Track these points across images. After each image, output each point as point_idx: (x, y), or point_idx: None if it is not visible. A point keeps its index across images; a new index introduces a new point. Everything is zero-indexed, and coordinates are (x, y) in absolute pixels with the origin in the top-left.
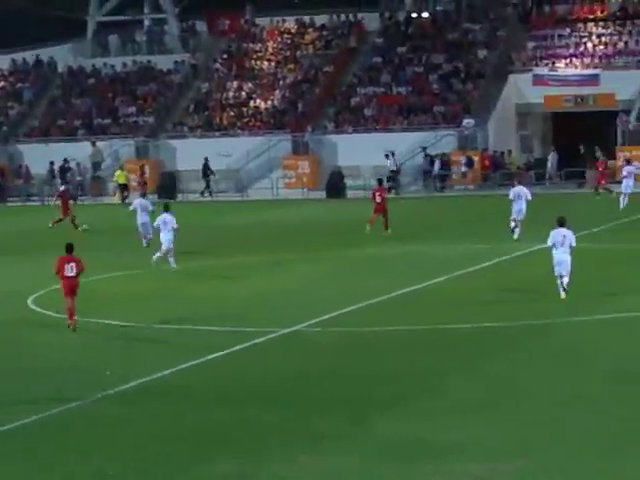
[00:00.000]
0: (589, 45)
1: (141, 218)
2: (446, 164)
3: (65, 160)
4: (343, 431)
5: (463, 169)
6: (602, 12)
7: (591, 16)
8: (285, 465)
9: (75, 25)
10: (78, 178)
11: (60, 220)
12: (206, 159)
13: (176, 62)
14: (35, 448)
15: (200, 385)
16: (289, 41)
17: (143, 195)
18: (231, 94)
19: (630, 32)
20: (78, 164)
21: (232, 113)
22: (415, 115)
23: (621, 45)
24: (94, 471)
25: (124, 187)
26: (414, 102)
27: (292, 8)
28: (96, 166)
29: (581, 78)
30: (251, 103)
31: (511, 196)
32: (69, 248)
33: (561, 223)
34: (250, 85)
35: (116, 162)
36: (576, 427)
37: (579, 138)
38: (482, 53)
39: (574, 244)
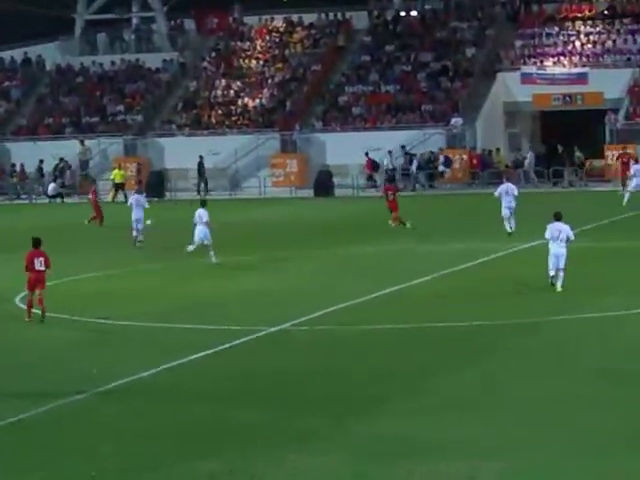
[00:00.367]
0: (577, 44)
1: (135, 214)
2: (434, 163)
3: (61, 159)
4: (329, 430)
5: (441, 168)
6: (590, 11)
7: (579, 15)
8: (271, 464)
9: (63, 23)
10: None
11: (95, 218)
12: (201, 157)
13: (164, 60)
14: (16, 446)
15: (185, 384)
16: (277, 40)
17: (139, 192)
18: (219, 92)
19: (618, 31)
20: (66, 162)
21: (220, 112)
22: (403, 114)
23: (609, 44)
24: (77, 470)
25: (121, 186)
26: (402, 101)
27: (280, 7)
28: (84, 164)
29: (569, 77)
30: (239, 102)
31: (496, 194)
32: (36, 243)
33: (557, 217)
34: (238, 84)
35: (104, 160)
36: (561, 426)
37: (568, 137)
38: (470, 52)
39: (572, 238)
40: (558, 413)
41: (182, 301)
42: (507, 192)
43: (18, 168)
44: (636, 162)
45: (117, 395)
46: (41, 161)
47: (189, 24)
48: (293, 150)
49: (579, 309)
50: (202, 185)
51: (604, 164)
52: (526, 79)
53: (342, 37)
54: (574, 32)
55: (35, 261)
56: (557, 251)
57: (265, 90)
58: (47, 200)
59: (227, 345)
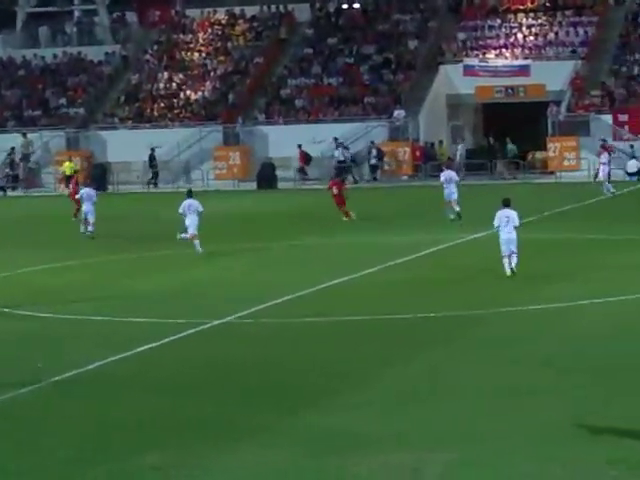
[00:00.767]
0: (519, 36)
1: (86, 207)
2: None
3: (12, 149)
4: (276, 423)
5: (373, 161)
6: (532, 3)
7: (521, 7)
8: (217, 457)
9: (4, 16)
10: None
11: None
12: (152, 149)
13: (106, 53)
14: None
15: (132, 376)
16: (219, 32)
17: (89, 185)
18: (162, 85)
19: (560, 23)
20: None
21: (163, 104)
22: (346, 106)
23: (551, 36)
24: (22, 463)
25: (70, 178)
26: (345, 93)
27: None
28: (26, 157)
29: (512, 69)
30: (182, 94)
31: (442, 179)
32: None
33: (506, 204)
34: (181, 76)
35: (47, 154)
36: (507, 416)
37: (510, 129)
38: (413, 44)
39: (517, 224)
40: (503, 404)
41: (130, 294)
42: (450, 179)
43: None
44: (605, 150)
45: (63, 388)
46: None
47: (131, 17)
48: (236, 143)
49: (524, 301)
50: (154, 177)
51: (546, 156)
52: (468, 71)
53: (284, 30)
54: (516, 24)
55: None
56: (508, 237)
57: (207, 83)
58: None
59: (173, 337)
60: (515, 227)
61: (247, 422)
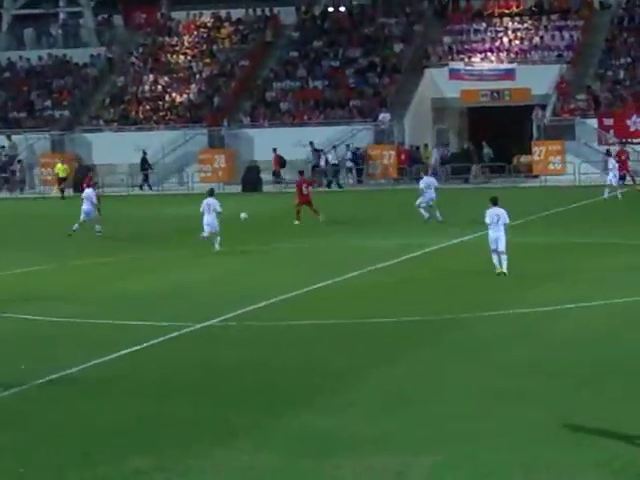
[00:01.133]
0: (505, 40)
1: (86, 207)
2: (363, 158)
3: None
4: (259, 425)
5: (348, 164)
6: (518, 7)
7: (507, 11)
8: (200, 460)
9: None
10: None
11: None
12: (144, 152)
13: (92, 56)
14: None
15: (115, 379)
16: (205, 35)
17: (89, 186)
18: (147, 88)
19: (546, 27)
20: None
21: (148, 107)
22: (331, 109)
23: (537, 40)
24: (4, 467)
25: (63, 180)
26: (330, 96)
27: (208, 2)
28: (12, 160)
29: (497, 73)
30: (167, 97)
31: (422, 186)
32: None
33: (494, 202)
34: (166, 79)
35: (32, 156)
36: (492, 420)
37: (495, 132)
38: (398, 47)
39: (507, 222)
40: (490, 406)
41: (112, 297)
42: (429, 185)
43: None
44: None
45: (46, 391)
46: None
47: (117, 19)
48: (221, 146)
49: (510, 304)
50: (146, 179)
51: (531, 160)
52: (454, 75)
53: (270, 33)
54: (502, 28)
55: None
56: (497, 235)
57: (193, 85)
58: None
59: (156, 341)
60: (505, 225)
61: (229, 425)
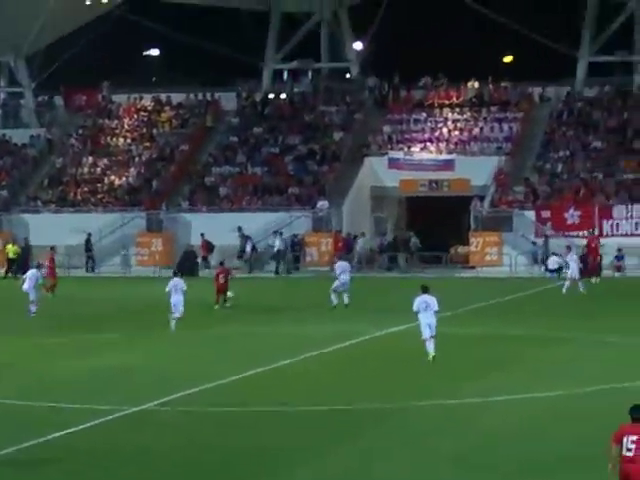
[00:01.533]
0: (445, 130)
1: (27, 286)
2: (298, 245)
3: None
4: None
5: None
6: (458, 98)
7: (447, 102)
8: None
9: None
10: None
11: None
12: (89, 234)
13: (32, 136)
14: None
15: (43, 463)
16: (145, 118)
17: (37, 267)
18: (86, 170)
19: (485, 119)
20: None
21: (87, 189)
22: (270, 196)
23: (476, 131)
24: None
25: (12, 261)
26: (269, 182)
27: (149, 86)
28: None
29: (436, 163)
30: (106, 179)
31: (337, 271)
32: None
33: (425, 290)
34: (105, 161)
35: None
36: None
37: (434, 221)
38: (338, 135)
39: (437, 309)
40: None
41: (45, 378)
42: (344, 270)
43: None
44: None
45: None
46: None
47: (58, 100)
48: (159, 229)
49: (439, 395)
50: (90, 261)
51: (468, 250)
52: (393, 164)
53: (210, 117)
54: (441, 119)
55: None
56: (430, 321)
57: (132, 169)
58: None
59: (89, 424)
60: (435, 312)
61: None
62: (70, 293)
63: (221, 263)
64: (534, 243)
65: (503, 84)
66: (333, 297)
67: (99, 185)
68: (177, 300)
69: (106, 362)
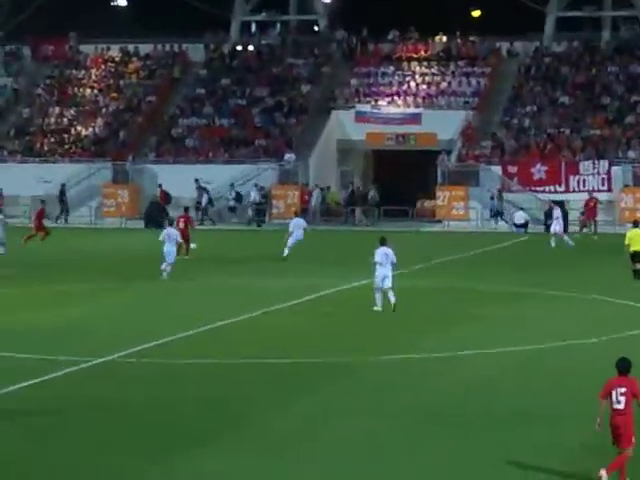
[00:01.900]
0: (412, 84)
1: None
2: (265, 197)
3: None
4: (141, 470)
5: (231, 203)
6: (426, 52)
7: (415, 55)
8: None
9: None
10: None
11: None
12: (63, 185)
13: None
14: None
15: (3, 415)
16: (113, 69)
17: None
18: (53, 120)
19: (453, 73)
20: None
21: (53, 139)
22: (237, 148)
23: (444, 85)
24: None
25: None
26: (236, 135)
27: (117, 37)
28: None
29: (403, 117)
30: (72, 130)
31: (291, 228)
32: None
33: (383, 242)
34: (72, 112)
35: None
36: (370, 466)
37: (400, 176)
38: (305, 88)
39: (394, 261)
40: (373, 451)
41: (9, 329)
42: (298, 226)
43: None
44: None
45: None
46: None
47: (25, 50)
48: (125, 181)
49: (401, 349)
50: (64, 212)
51: (435, 204)
52: (360, 118)
53: (178, 69)
54: (409, 72)
55: None
56: (384, 273)
57: (99, 119)
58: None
59: (52, 375)
60: (393, 264)
61: (113, 468)
62: (33, 244)
63: (185, 209)
64: (492, 198)
65: (471, 39)
66: (286, 250)
67: (66, 136)
68: (169, 249)
69: (72, 314)
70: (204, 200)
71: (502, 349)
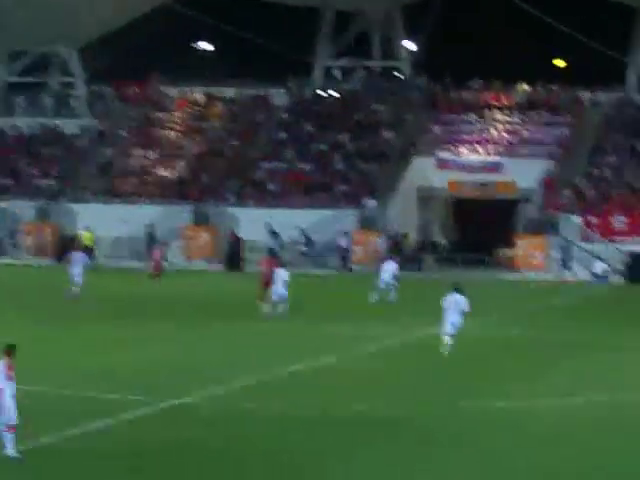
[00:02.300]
0: (494, 132)
1: (75, 270)
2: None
3: None
4: None
5: (303, 249)
6: (508, 101)
7: (497, 104)
8: None
9: None
10: None
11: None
12: (151, 226)
13: (82, 127)
14: None
15: (84, 452)
16: (196, 112)
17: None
18: (135, 161)
19: (535, 122)
20: None
21: (135, 180)
22: (318, 193)
23: (525, 134)
24: None
25: (89, 249)
26: (317, 180)
27: (201, 79)
28: None
29: (484, 165)
30: (154, 171)
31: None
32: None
33: (456, 289)
34: (155, 154)
35: (15, 223)
36: None
37: (480, 223)
38: (387, 134)
39: (467, 309)
40: None
41: (90, 370)
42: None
43: None
44: None
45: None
46: None
47: (109, 91)
48: (205, 223)
49: (481, 397)
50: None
51: (513, 253)
52: (441, 164)
53: (260, 113)
54: (491, 120)
55: None
56: (453, 320)
57: (181, 162)
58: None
59: (127, 415)
60: (463, 312)
61: None
62: (115, 285)
63: (270, 252)
64: (564, 247)
65: (554, 88)
66: (375, 294)
67: (148, 177)
68: (279, 289)
69: (149, 355)
70: (276, 245)
71: (578, 399)
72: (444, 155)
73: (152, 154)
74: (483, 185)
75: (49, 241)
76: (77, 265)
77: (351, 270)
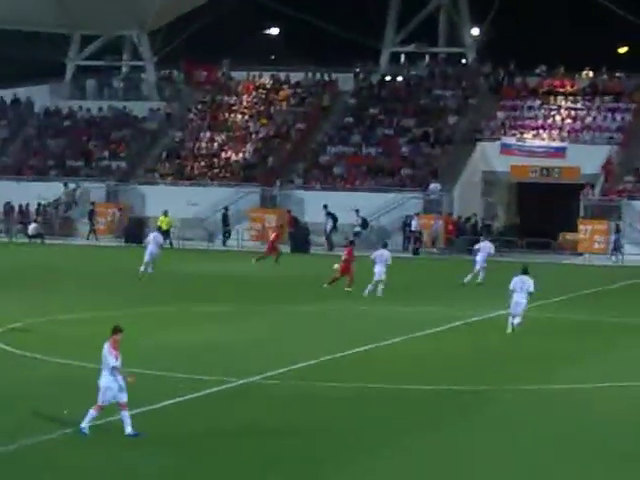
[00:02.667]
0: (557, 118)
1: (153, 249)
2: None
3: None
4: None
5: (357, 229)
6: (572, 87)
7: (561, 90)
8: None
9: (54, 67)
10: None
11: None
12: (226, 208)
13: (151, 110)
14: None
15: (151, 432)
16: (264, 96)
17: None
18: (203, 144)
19: (598, 108)
20: (40, 204)
21: (203, 163)
22: (383, 176)
23: (589, 120)
24: None
25: (166, 233)
26: (382, 163)
27: (268, 64)
28: (67, 206)
29: (548, 150)
30: (222, 154)
31: (476, 247)
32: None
33: (524, 271)
34: (223, 137)
35: (85, 205)
36: None
37: (543, 208)
38: (452, 120)
39: (532, 290)
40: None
41: (156, 349)
42: (482, 249)
43: (1, 207)
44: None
45: (89, 438)
46: (7, 203)
47: (178, 75)
48: (272, 205)
49: (535, 380)
50: (227, 234)
51: (577, 237)
52: (505, 150)
53: (327, 97)
54: (555, 106)
55: None
56: (518, 300)
57: (248, 145)
58: (27, 240)
59: (196, 395)
60: (529, 293)
61: None
62: (181, 265)
63: (351, 242)
64: (616, 232)
65: (617, 74)
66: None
67: (215, 160)
68: (379, 269)
69: (217, 335)
70: (329, 226)
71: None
72: (508, 140)
73: (220, 137)
74: (547, 170)
75: (118, 222)
76: (153, 246)
77: (418, 252)
